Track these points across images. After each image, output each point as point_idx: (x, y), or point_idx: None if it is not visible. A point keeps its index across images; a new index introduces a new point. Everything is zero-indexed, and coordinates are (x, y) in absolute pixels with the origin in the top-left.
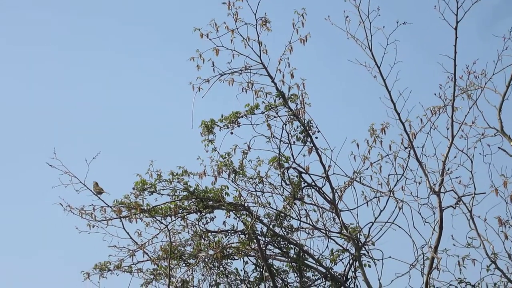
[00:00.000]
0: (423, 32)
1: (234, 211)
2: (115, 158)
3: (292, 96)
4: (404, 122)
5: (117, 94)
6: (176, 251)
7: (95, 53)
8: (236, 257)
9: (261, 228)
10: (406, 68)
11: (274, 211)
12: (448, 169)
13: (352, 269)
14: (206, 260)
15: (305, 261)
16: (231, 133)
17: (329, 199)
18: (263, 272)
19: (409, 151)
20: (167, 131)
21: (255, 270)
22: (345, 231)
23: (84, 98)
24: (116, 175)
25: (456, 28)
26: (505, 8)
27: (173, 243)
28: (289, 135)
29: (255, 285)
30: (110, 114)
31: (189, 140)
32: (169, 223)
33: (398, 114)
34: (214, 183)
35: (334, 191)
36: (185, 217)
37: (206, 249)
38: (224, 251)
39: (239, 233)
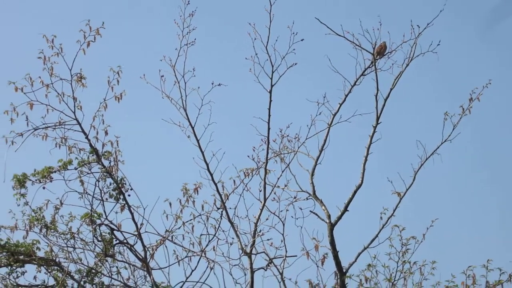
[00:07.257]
0: (238, 94)
1: (45, 266)
2: None
3: (105, 153)
4: (217, 182)
5: None
6: None
7: None
8: None
9: (72, 284)
10: (221, 129)
11: (85, 267)
12: (260, 231)
13: None
14: None
15: None
16: (44, 187)
17: (141, 257)
18: None
19: (222, 211)
20: None
21: None
22: None
23: None
24: None
25: (270, 92)
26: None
27: None
28: (102, 192)
29: None
30: None
31: (1, 194)
32: None
33: (211, 175)
34: (26, 237)
35: (146, 249)
36: None
37: None
38: None
39: None
